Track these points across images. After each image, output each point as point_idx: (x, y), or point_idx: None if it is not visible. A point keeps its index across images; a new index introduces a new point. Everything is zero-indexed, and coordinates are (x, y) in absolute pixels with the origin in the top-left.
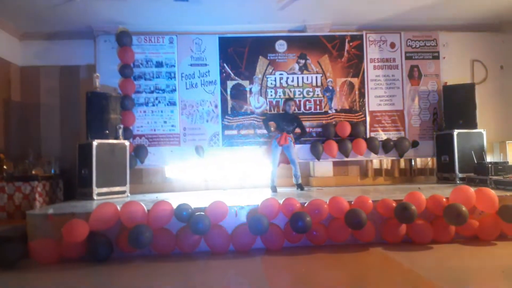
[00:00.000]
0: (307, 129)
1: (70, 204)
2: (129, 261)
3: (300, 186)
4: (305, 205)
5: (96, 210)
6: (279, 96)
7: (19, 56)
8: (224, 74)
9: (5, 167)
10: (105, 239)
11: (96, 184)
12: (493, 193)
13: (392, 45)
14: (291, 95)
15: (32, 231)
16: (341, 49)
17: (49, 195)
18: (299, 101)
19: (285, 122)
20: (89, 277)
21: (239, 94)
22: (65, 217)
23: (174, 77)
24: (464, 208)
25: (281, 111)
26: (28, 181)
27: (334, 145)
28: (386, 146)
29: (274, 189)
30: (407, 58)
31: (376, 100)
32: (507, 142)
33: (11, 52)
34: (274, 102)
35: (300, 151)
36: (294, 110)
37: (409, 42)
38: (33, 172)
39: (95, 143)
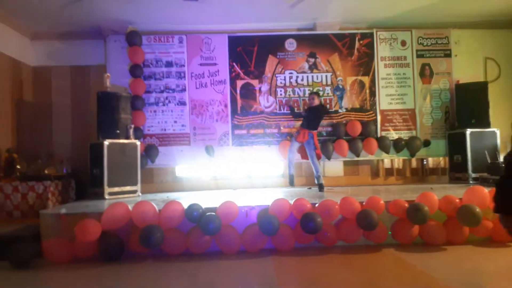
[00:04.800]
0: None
1: (82, 203)
2: (140, 260)
3: (320, 187)
4: (316, 205)
5: (108, 210)
6: (289, 95)
7: (30, 56)
8: (234, 74)
9: (18, 166)
10: (117, 239)
11: (107, 184)
12: None
13: (403, 43)
14: (301, 95)
15: (45, 231)
16: (351, 48)
17: (62, 195)
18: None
19: (311, 116)
20: (101, 276)
21: (248, 93)
22: (77, 217)
23: (184, 77)
24: (478, 209)
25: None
26: (41, 181)
27: (344, 145)
28: (398, 146)
29: (291, 181)
30: (418, 56)
31: (387, 98)
32: None
33: (23, 52)
34: (283, 101)
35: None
36: (319, 102)
37: (420, 40)
38: (46, 171)
39: (106, 142)
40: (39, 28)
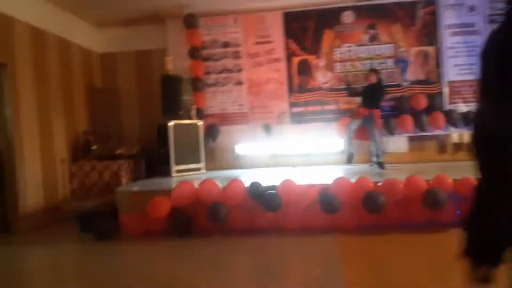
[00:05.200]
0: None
1: (152, 181)
2: (207, 235)
3: (380, 165)
4: (379, 184)
5: (176, 188)
6: (348, 70)
7: (97, 44)
8: (290, 50)
9: (94, 147)
10: (185, 215)
11: (174, 162)
12: None
13: (472, 8)
14: (361, 68)
15: (121, 206)
16: (414, 16)
17: (133, 172)
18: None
19: (366, 94)
20: (172, 249)
21: (305, 70)
22: (149, 194)
23: (240, 57)
24: None
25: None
26: (115, 160)
27: (409, 119)
28: (467, 119)
29: (349, 159)
30: (491, 21)
31: (455, 69)
32: None
33: (91, 40)
34: (342, 76)
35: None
36: (377, 80)
37: (492, 3)
38: (118, 151)
39: (171, 123)
40: (104, 16)
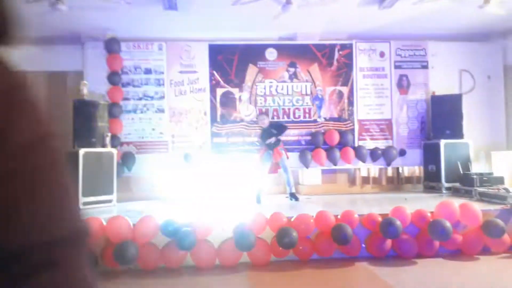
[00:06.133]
0: (296, 137)
1: None
2: (114, 276)
3: (293, 196)
4: (292, 219)
5: None
6: (269, 104)
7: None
8: (214, 82)
9: None
10: (89, 254)
11: (82, 194)
12: (477, 208)
13: (382, 54)
14: (281, 104)
15: None
16: (331, 58)
17: None
18: (288, 109)
19: (264, 137)
20: None
21: (228, 101)
22: None
23: (163, 84)
24: (448, 224)
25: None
26: None
27: (322, 153)
28: (374, 155)
29: (258, 200)
30: (396, 67)
31: (365, 108)
32: (492, 152)
33: None
34: (263, 110)
35: (289, 160)
36: (269, 124)
37: (398, 51)
38: None
39: (81, 151)
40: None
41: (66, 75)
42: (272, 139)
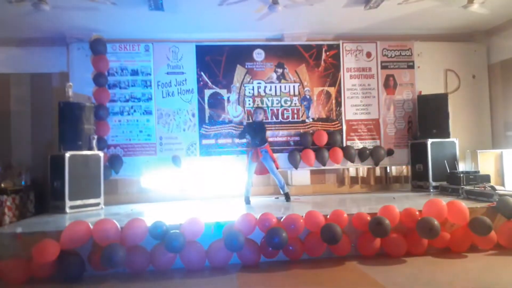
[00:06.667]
0: (285, 138)
1: (41, 219)
2: (102, 280)
3: (286, 196)
4: (281, 220)
5: (67, 229)
6: (257, 105)
7: None
8: (202, 83)
9: None
10: (77, 258)
11: (69, 197)
12: (464, 206)
13: (368, 55)
14: (269, 104)
15: (0, 250)
16: (318, 59)
17: (20, 209)
18: (277, 110)
19: (253, 132)
20: None
21: (216, 103)
22: (35, 236)
23: (150, 86)
24: (436, 222)
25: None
26: None
27: (311, 154)
28: (362, 155)
29: (247, 201)
30: (383, 67)
31: (353, 109)
32: (478, 151)
33: None
34: (252, 111)
35: (278, 160)
36: (263, 118)
37: (385, 51)
38: (2, 185)
39: (67, 154)
40: None
41: (50, 76)
42: (259, 138)
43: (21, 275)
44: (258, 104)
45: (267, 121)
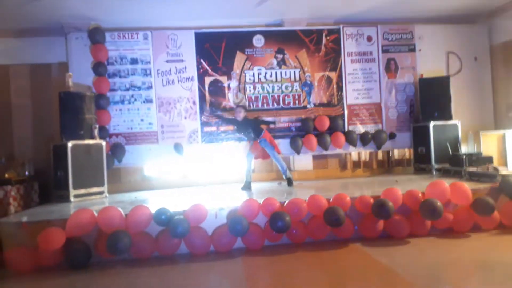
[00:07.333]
0: (287, 124)
1: (45, 208)
2: (108, 266)
3: (289, 181)
4: (285, 204)
5: (72, 217)
6: (258, 91)
7: None
8: (202, 70)
9: None
10: (82, 245)
11: (72, 186)
12: (467, 187)
13: (369, 39)
14: (270, 91)
15: (7, 239)
16: (319, 43)
17: (24, 199)
18: (278, 96)
19: (243, 129)
20: (67, 285)
21: (217, 90)
22: (40, 225)
23: (150, 74)
24: (439, 203)
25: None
26: (1, 186)
27: (313, 139)
28: (364, 139)
29: (248, 187)
30: (384, 51)
31: (354, 93)
32: (481, 132)
33: None
34: (253, 98)
35: (280, 146)
36: (245, 116)
37: (385, 35)
38: (6, 175)
39: (70, 144)
40: None
41: (50, 67)
42: (250, 134)
43: (28, 264)
44: (238, 103)
45: (268, 107)
